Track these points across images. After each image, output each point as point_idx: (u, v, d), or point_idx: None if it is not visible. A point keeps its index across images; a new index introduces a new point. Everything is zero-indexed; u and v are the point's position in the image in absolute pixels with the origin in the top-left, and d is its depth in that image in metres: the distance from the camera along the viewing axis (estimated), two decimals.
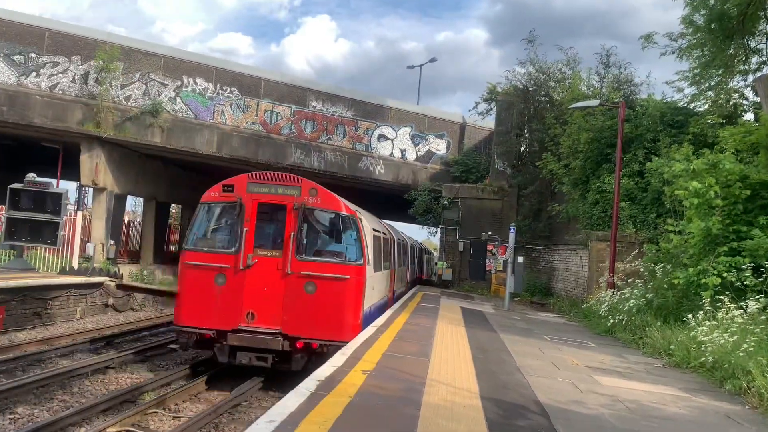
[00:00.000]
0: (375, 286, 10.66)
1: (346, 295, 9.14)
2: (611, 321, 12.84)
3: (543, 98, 24.33)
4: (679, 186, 11.75)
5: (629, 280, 14.38)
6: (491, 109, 26.53)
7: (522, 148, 25.65)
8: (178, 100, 24.03)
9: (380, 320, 10.55)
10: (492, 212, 25.05)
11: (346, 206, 9.58)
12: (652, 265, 13.25)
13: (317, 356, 8.73)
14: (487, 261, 21.55)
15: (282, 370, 9.00)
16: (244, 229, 8.88)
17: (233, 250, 8.87)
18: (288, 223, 8.96)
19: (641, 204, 16.98)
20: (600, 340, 12.13)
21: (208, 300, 8.82)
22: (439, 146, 26.77)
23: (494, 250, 20.92)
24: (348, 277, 9.18)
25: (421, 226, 27.45)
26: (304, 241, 9.20)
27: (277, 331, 8.93)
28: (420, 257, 26.87)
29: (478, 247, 20.94)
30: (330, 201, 9.30)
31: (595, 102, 17.02)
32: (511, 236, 18.56)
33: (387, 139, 26.18)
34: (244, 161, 24.28)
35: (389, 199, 32.37)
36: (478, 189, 25.22)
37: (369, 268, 9.74)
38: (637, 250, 16.01)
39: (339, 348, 7.83)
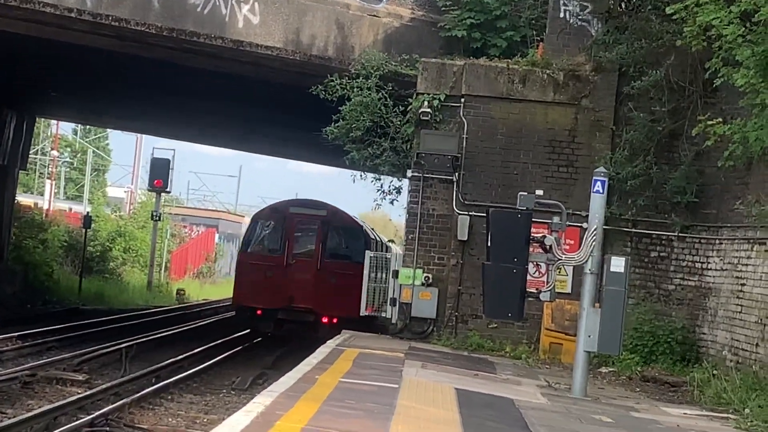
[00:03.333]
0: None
1: (356, 286, 28.52)
2: None
3: None
4: None
5: None
6: None
7: None
8: None
9: (235, 424, 12.05)
10: (548, 137, 26.24)
11: (356, 222, 36.06)
12: None
13: (336, 327, 28.49)
14: (532, 268, 21.58)
15: (312, 337, 30.34)
16: (287, 237, 32.97)
17: (280, 252, 32.78)
18: (318, 234, 32.83)
19: None
20: None
21: (260, 287, 32.13)
22: None
23: (549, 239, 20.34)
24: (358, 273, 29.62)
25: (358, 174, 30.45)
26: (328, 247, 33.68)
27: (310, 309, 31.99)
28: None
29: (505, 229, 20.65)
30: (346, 219, 34.82)
31: None
32: (596, 201, 19.26)
33: None
34: None
35: (272, 100, 35.36)
36: (513, 75, 26.20)
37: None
38: None
39: (351, 321, 28.91)
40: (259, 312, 32.27)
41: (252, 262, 33.14)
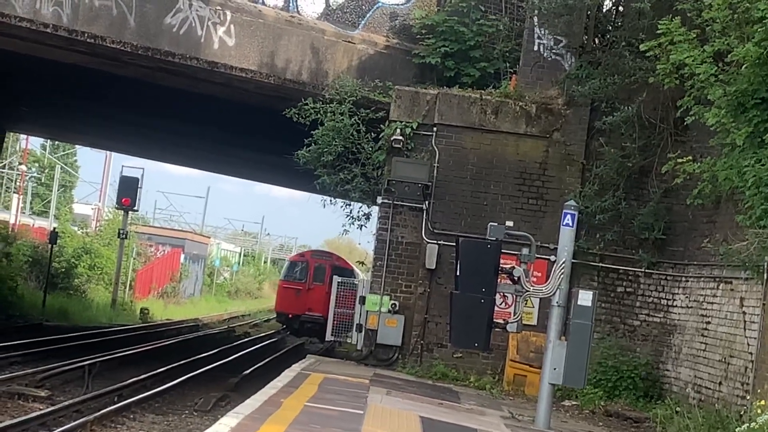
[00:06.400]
0: None
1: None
2: None
3: None
4: None
5: None
6: None
7: (606, 5, 27.64)
8: None
9: None
10: (519, 169, 26.58)
11: (349, 264, 59.06)
12: None
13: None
14: (499, 299, 21.84)
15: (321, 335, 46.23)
16: (308, 272, 56.39)
17: (304, 281, 55.95)
18: (327, 271, 54.19)
19: None
20: None
21: (291, 301, 55.41)
22: None
23: (518, 270, 20.39)
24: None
25: (328, 199, 30.65)
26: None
27: (321, 316, 47.59)
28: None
29: (474, 259, 20.67)
30: (344, 262, 59.17)
31: None
32: (566, 234, 19.47)
33: None
34: None
35: (244, 122, 35.96)
36: (486, 105, 26.49)
37: None
38: None
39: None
40: (290, 316, 51.98)
41: (288, 286, 53.41)
